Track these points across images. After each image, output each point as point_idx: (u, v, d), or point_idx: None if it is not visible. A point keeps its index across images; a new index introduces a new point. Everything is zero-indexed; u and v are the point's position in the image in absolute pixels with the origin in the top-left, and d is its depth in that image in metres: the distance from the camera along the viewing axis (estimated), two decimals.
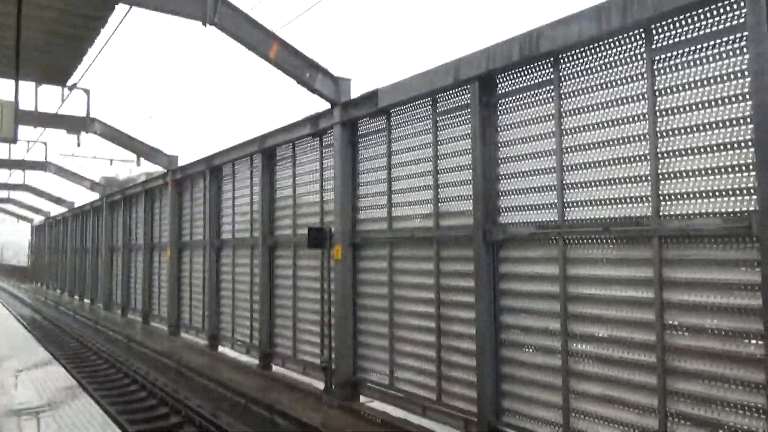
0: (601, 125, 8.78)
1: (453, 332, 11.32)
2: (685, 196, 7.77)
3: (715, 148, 7.50)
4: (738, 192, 7.28)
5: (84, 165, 32.48)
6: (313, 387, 14.85)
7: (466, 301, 10.99)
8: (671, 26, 7.93)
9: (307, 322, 15.67)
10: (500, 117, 10.35)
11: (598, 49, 8.82)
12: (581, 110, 9.04)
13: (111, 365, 20.10)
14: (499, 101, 10.33)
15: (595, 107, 8.86)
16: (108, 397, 15.75)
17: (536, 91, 9.75)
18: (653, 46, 8.16)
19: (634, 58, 8.42)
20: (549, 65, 9.48)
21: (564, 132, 9.27)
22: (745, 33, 7.06)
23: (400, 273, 12.62)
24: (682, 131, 7.84)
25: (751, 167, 7.12)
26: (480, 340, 10.43)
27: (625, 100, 8.50)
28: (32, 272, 62.90)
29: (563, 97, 9.29)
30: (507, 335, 10.25)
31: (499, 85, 10.36)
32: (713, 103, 7.44)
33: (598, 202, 8.77)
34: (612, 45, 8.65)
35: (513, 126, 10.13)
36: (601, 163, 8.74)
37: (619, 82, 8.58)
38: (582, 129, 9.02)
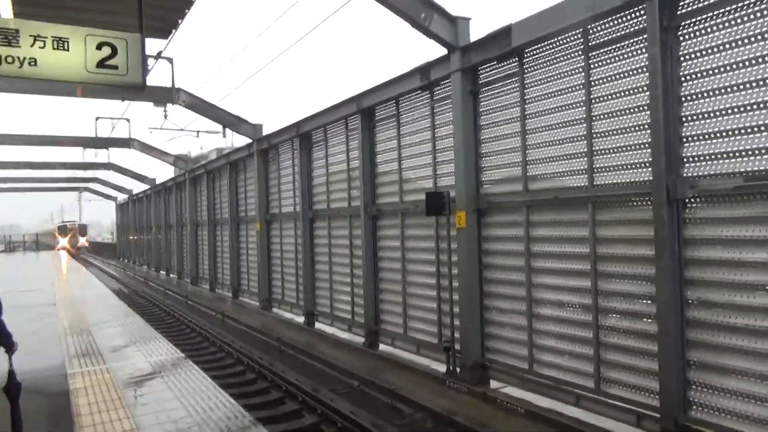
0: None
1: (616, 310, 9.14)
2: None
3: None
4: None
5: (172, 138, 30.78)
6: (431, 369, 12.88)
7: (635, 272, 8.79)
8: None
9: (420, 298, 13.66)
10: (686, 43, 7.96)
11: None
12: None
13: (207, 340, 18.64)
14: (685, 22, 7.95)
15: None
16: (210, 370, 14.19)
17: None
18: None
19: None
20: None
21: None
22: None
23: (539, 241, 10.47)
24: None
25: None
26: (662, 320, 8.22)
27: None
28: (118, 248, 63.26)
29: None
30: (697, 314, 7.99)
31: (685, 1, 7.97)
32: None
33: None
34: None
35: (705, 53, 7.75)
36: None
37: None
38: None
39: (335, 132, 17.31)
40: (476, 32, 13.04)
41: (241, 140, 36.82)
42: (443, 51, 11.64)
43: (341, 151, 16.99)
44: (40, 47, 7.63)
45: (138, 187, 48.27)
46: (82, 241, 70.89)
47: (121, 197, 57.64)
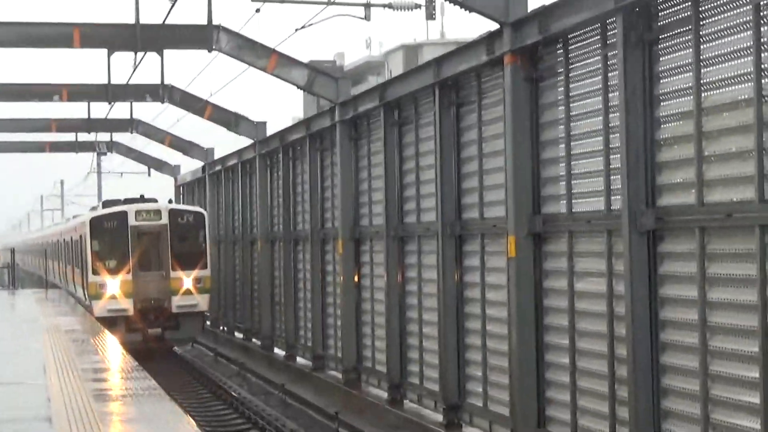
0: None
1: None
2: None
3: None
4: None
5: (309, 22, 27.28)
6: None
7: None
8: None
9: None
10: None
11: None
12: None
13: None
14: None
15: None
16: None
17: None
18: None
19: None
20: None
21: None
22: None
23: None
24: None
25: None
26: None
27: None
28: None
29: None
30: None
31: None
32: None
33: None
34: None
35: None
36: None
37: None
38: None
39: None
40: None
41: (465, 26, 35.08)
42: None
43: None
44: None
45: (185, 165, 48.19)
46: (203, 274, 34.95)
47: (184, 172, 50.05)
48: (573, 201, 13.81)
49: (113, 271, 33.04)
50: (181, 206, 40.12)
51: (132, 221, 33.28)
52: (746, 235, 10.16)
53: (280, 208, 31.36)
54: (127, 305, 32.73)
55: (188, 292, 33.49)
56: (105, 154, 55.80)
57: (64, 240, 46.26)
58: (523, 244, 14.57)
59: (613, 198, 12.64)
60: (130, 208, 34.00)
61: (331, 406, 22.02)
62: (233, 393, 26.62)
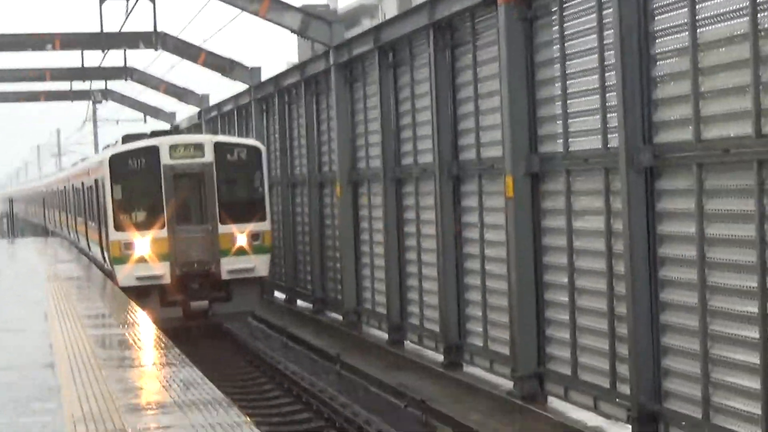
0: None
1: None
2: None
3: None
4: None
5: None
6: None
7: None
8: None
9: None
10: None
11: None
12: None
13: None
14: None
15: None
16: None
17: None
18: None
19: None
20: None
21: None
22: None
23: None
24: None
25: None
26: None
27: None
28: None
29: None
30: None
31: None
32: None
33: None
34: None
35: None
36: None
37: None
38: None
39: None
40: None
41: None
42: None
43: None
44: None
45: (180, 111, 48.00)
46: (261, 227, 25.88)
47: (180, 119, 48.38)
48: (570, 140, 13.75)
49: (142, 226, 23.97)
50: (230, 138, 29.80)
51: (166, 159, 23.94)
52: (744, 170, 10.14)
53: (278, 152, 30.96)
54: (162, 270, 23.74)
55: (242, 252, 24.41)
56: (100, 102, 52.85)
57: (73, 187, 37.09)
58: (521, 184, 14.58)
59: (610, 136, 12.55)
60: (163, 142, 24.50)
61: (330, 347, 22.16)
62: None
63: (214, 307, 24.38)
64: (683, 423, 11.34)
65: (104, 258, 26.00)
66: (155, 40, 29.69)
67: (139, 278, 23.53)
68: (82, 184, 31.56)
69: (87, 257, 31.43)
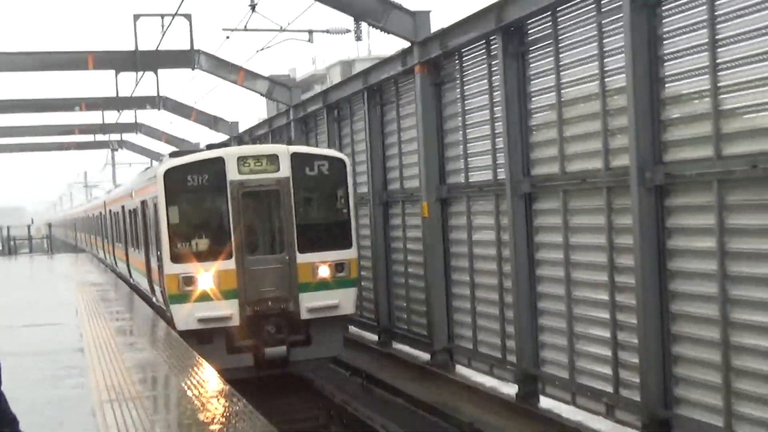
0: None
1: None
2: None
3: None
4: None
5: (264, 47, 24.78)
6: None
7: None
8: None
9: None
10: None
11: None
12: None
13: None
14: None
15: None
16: None
17: None
18: None
19: None
20: None
21: None
22: None
23: None
24: None
25: None
26: None
27: None
28: None
29: None
30: None
31: None
32: None
33: None
34: None
35: None
36: None
37: None
38: None
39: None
40: None
41: (386, 45, 31.71)
42: None
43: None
44: None
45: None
46: (346, 256, 15.41)
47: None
48: (469, 173, 13.75)
49: (205, 256, 14.78)
50: (309, 149, 17.56)
51: (233, 174, 14.77)
52: (594, 195, 10.31)
53: None
54: (230, 310, 14.60)
55: (325, 286, 15.13)
56: (117, 150, 50.02)
57: (110, 212, 27.66)
58: (434, 207, 14.57)
59: (498, 170, 12.58)
60: (229, 153, 15.14)
61: None
62: None
63: (292, 353, 14.88)
64: (556, 383, 11.45)
65: (154, 292, 16.95)
66: (158, 102, 29.16)
67: (201, 320, 14.39)
68: (122, 208, 22.82)
69: (133, 289, 21.56)
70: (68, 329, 14.99)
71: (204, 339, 14.18)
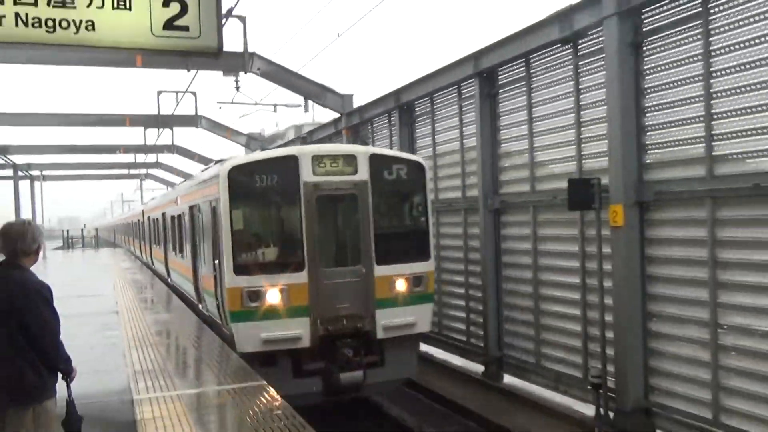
0: None
1: None
2: None
3: None
4: None
5: (245, 115, 29.77)
6: (573, 411, 9.93)
7: None
8: None
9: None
10: None
11: None
12: None
13: None
14: None
15: None
16: None
17: None
18: None
19: None
20: None
21: None
22: None
23: (729, 246, 7.69)
24: None
25: None
26: None
27: None
28: None
29: None
30: None
31: None
32: None
33: None
34: None
35: None
36: None
37: None
38: None
39: (444, 102, 13.80)
40: None
41: (324, 115, 35.07)
42: None
43: (452, 126, 13.32)
44: (98, 7, 6.10)
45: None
46: (423, 268, 10.98)
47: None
48: (438, 192, 13.60)
49: (272, 268, 10.13)
50: (387, 151, 12.95)
51: (307, 175, 10.26)
52: (563, 211, 10.25)
53: None
54: (300, 330, 10.05)
55: (401, 301, 10.67)
56: (144, 179, 52.99)
57: (149, 219, 23.64)
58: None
59: (467, 191, 12.52)
60: (304, 152, 10.49)
61: None
62: None
63: (368, 377, 10.43)
64: (515, 366, 11.45)
65: (213, 307, 11.52)
66: (197, 120, 28.60)
67: (267, 341, 10.03)
68: (163, 215, 19.03)
69: (182, 300, 15.38)
70: (108, 299, 16.33)
71: (267, 361, 9.98)
